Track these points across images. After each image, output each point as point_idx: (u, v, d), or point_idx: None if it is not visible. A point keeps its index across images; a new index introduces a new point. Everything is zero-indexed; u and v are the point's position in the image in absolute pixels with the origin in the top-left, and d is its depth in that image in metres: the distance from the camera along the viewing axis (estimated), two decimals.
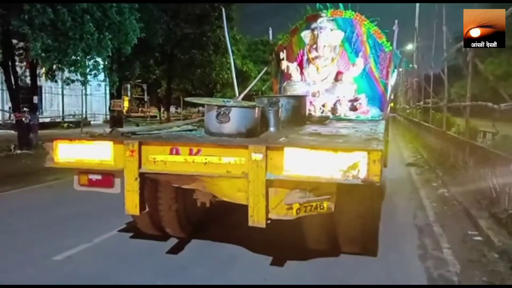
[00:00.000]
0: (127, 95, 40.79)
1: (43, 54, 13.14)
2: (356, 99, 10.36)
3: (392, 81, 10.07)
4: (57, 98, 31.39)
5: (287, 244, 5.18)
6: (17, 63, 16.16)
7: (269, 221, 3.95)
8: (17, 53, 15.41)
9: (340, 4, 11.79)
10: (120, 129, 4.77)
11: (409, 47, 34.59)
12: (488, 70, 12.58)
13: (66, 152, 4.33)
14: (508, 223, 5.61)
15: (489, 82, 8.61)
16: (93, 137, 4.36)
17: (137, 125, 24.71)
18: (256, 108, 4.98)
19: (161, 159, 4.06)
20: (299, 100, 6.81)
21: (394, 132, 27.01)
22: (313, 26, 11.30)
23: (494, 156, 6.61)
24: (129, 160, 4.07)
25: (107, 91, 31.49)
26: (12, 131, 16.76)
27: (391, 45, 11.43)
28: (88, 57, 15.03)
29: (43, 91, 30.09)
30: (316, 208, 3.91)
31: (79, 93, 31.42)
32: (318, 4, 11.97)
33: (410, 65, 13.00)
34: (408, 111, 28.14)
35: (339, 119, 8.45)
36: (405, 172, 11.47)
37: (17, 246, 5.34)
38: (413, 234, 6.02)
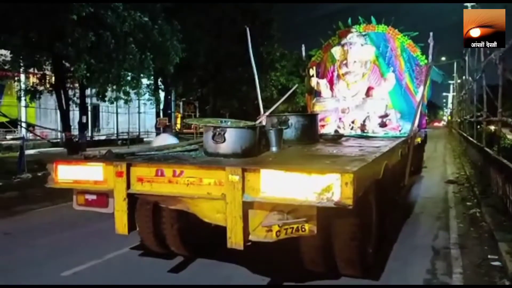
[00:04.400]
0: (179, 112, 41.93)
1: (87, 75, 13.88)
2: (386, 115, 10.13)
3: (419, 96, 9.72)
4: (113, 116, 32.88)
5: (289, 265, 5.12)
6: (69, 85, 17.11)
7: (249, 243, 3.95)
8: (68, 75, 16.31)
9: (373, 19, 11.65)
10: (116, 150, 4.93)
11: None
12: None
13: (65, 173, 4.57)
14: None
15: None
16: (87, 158, 4.57)
17: (187, 141, 25.33)
18: (253, 129, 5.02)
19: (148, 180, 4.18)
20: (310, 118, 6.77)
21: (445, 146, 26.04)
22: (343, 41, 11.24)
23: None
24: (118, 181, 4.23)
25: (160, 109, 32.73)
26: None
27: (427, 58, 11.11)
28: (130, 77, 15.69)
29: (100, 110, 31.75)
30: (297, 231, 3.86)
31: (132, 111, 32.81)
32: (350, 19, 11.91)
33: (443, 78, 12.44)
34: (461, 125, 27.01)
35: (359, 136, 8.29)
36: (442, 189, 10.99)
37: (32, 261, 5.63)
38: (427, 257, 5.74)
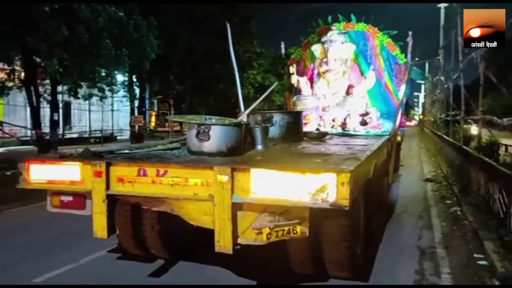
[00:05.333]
0: (154, 110, 41.23)
1: (60, 70, 13.39)
2: (366, 113, 10.08)
3: (400, 94, 9.71)
4: (85, 114, 32.06)
5: (277, 266, 4.95)
6: (40, 81, 16.51)
7: (238, 247, 3.76)
8: (40, 70, 15.70)
9: (353, 17, 11.58)
10: (93, 149, 4.65)
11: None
12: None
13: (39, 173, 4.27)
14: None
15: None
16: (63, 157, 4.29)
17: (162, 139, 24.92)
18: (239, 126, 4.82)
19: (129, 181, 3.93)
20: (295, 116, 6.60)
21: (419, 145, 26.37)
22: (323, 39, 11.13)
23: (501, 173, 6.20)
24: (96, 181, 3.96)
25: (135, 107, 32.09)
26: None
27: (406, 57, 11.12)
28: (105, 73, 15.25)
29: (71, 107, 30.86)
30: (288, 233, 3.68)
31: (106, 109, 32.03)
32: (330, 17, 11.81)
33: (422, 77, 12.56)
34: (435, 124, 27.42)
35: (342, 135, 8.19)
36: (421, 188, 11.03)
37: (4, 265, 5.29)
38: (414, 257, 5.66)
